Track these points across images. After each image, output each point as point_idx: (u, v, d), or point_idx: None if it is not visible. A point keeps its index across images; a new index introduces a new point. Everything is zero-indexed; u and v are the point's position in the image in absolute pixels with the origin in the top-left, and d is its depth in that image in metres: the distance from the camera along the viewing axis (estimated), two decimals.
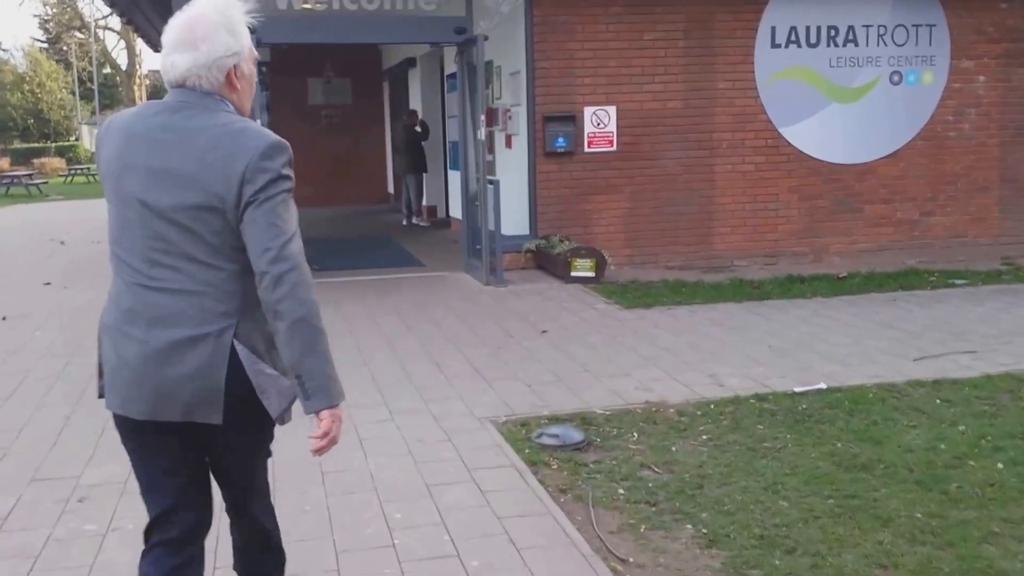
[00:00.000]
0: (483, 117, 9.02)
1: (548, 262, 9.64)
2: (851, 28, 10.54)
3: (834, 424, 4.99)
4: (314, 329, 2.31)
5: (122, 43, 43.71)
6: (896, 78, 10.72)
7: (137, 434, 2.45)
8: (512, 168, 10.22)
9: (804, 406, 5.30)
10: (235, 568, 2.78)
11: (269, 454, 2.63)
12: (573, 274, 9.09)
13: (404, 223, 15.30)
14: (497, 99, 11.19)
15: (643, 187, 10.16)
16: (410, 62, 16.18)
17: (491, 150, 10.76)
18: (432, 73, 15.72)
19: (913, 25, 10.68)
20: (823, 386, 5.66)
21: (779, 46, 10.40)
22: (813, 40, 10.48)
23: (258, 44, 11.34)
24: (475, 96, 9.43)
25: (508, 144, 10.67)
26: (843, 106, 10.63)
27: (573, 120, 9.87)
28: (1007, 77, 10.90)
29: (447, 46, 11.06)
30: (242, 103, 2.47)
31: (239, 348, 2.33)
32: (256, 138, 2.32)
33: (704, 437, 4.88)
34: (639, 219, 10.17)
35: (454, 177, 14.26)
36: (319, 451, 2.34)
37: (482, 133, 8.99)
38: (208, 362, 2.31)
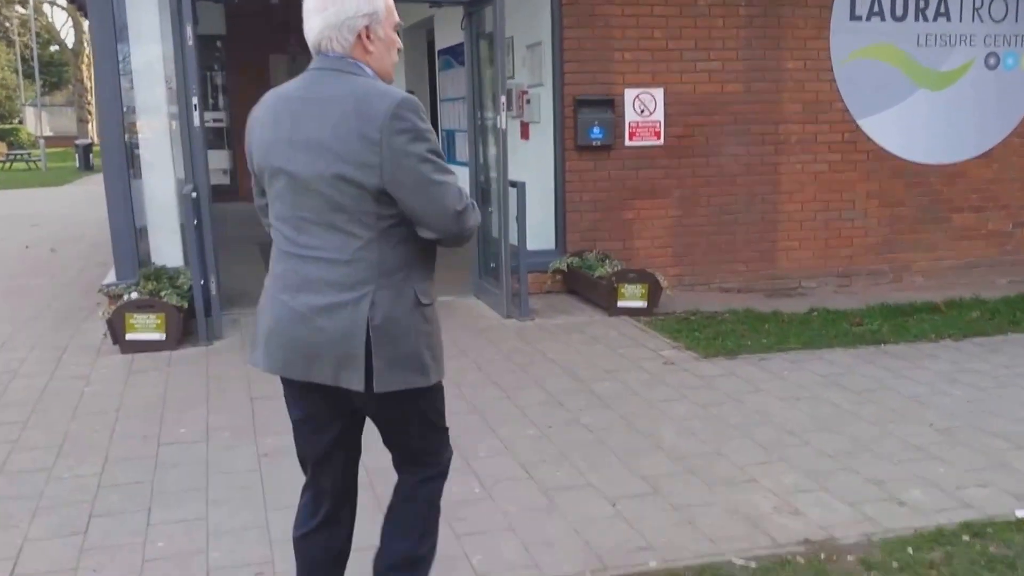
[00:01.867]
0: (503, 99, 6.97)
1: (583, 286, 7.62)
2: None
3: None
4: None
5: (71, 20, 40.94)
6: (992, 61, 8.83)
7: (296, 394, 2.56)
8: (531, 165, 8.16)
9: None
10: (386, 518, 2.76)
11: (439, 423, 2.68)
12: (620, 304, 7.09)
13: None
14: (509, 78, 9.10)
15: (696, 190, 8.18)
16: None
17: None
18: (418, 49, 13.61)
19: None
20: None
21: (859, 18, 8.46)
22: (899, 12, 8.55)
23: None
24: (492, 72, 7.38)
25: (525, 135, 8.62)
26: (931, 93, 8.71)
27: (611, 105, 7.86)
28: None
29: (450, 6, 8.95)
30: (380, 67, 2.45)
31: (374, 315, 2.35)
32: (383, 99, 2.29)
33: None
34: (690, 230, 8.20)
35: None
36: None
37: (503, 119, 6.94)
38: (347, 328, 2.36)
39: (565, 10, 7.82)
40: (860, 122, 8.52)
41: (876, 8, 8.48)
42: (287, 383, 2.55)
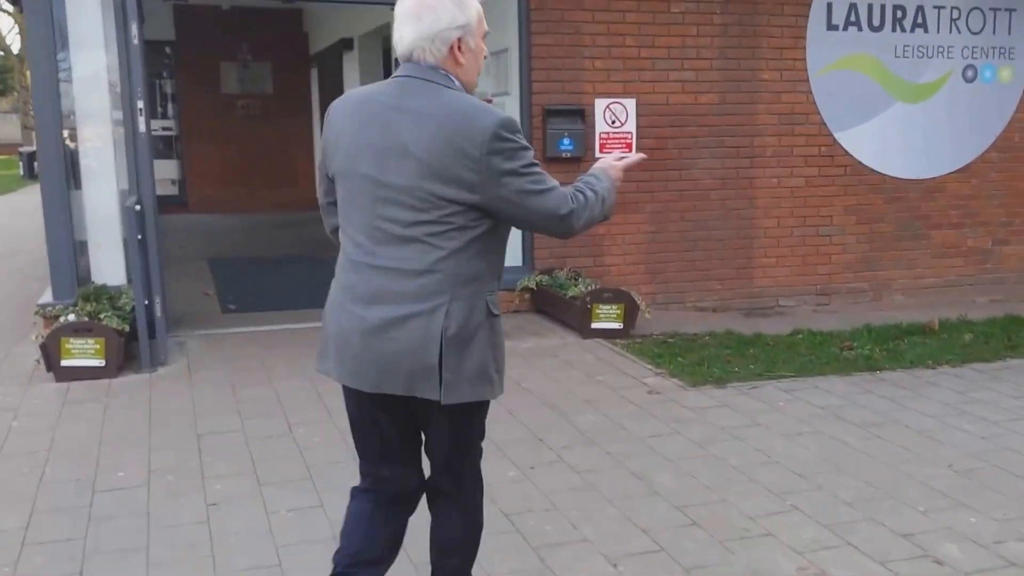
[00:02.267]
0: None
1: (554, 306, 7.19)
2: (920, 9, 8.37)
3: None
4: (596, 212, 2.51)
5: (17, 26, 39.65)
6: (970, 73, 8.60)
7: (361, 404, 2.54)
8: None
9: None
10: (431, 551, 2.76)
11: (479, 448, 2.67)
12: (595, 325, 6.67)
13: None
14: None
15: (669, 205, 7.80)
16: (345, 44, 13.55)
17: None
18: (373, 57, 13.14)
19: (991, 8, 8.57)
20: None
21: (836, 28, 8.16)
22: (876, 22, 8.27)
23: None
24: None
25: None
26: (909, 106, 8.45)
27: (581, 115, 7.45)
28: None
29: None
30: (468, 79, 2.45)
31: (448, 326, 2.34)
32: (484, 117, 2.29)
33: None
34: (664, 247, 7.81)
35: None
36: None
37: None
38: (421, 339, 2.34)
39: (533, 15, 7.41)
40: (837, 135, 8.22)
41: (853, 17, 8.20)
42: (354, 393, 2.54)
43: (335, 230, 2.61)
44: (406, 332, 2.35)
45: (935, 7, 8.39)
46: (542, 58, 7.44)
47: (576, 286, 6.97)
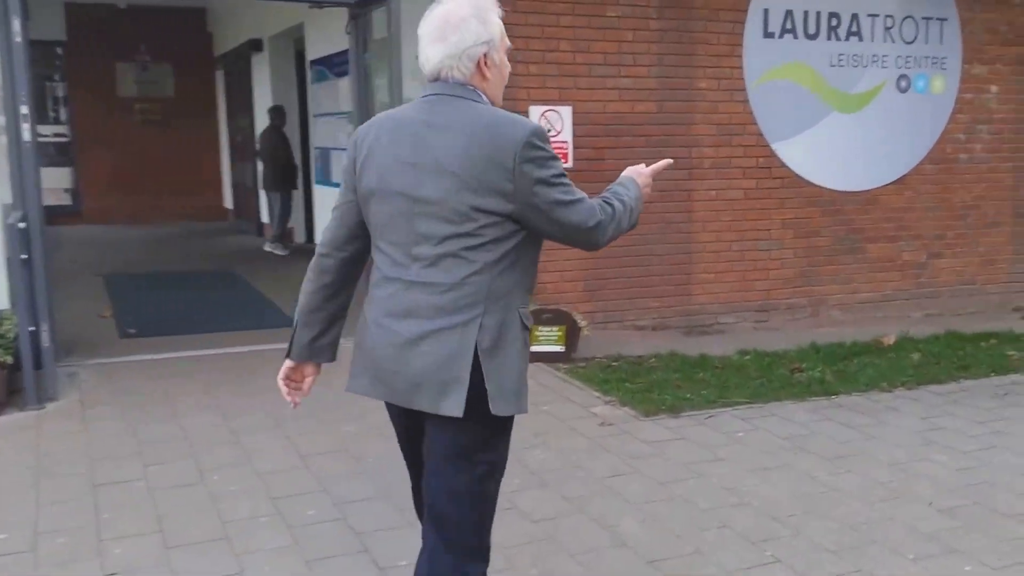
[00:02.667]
0: None
1: None
2: (855, 17, 8.16)
3: None
4: (624, 222, 2.52)
5: None
6: (904, 84, 8.44)
7: (401, 419, 2.57)
8: None
9: None
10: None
11: (499, 472, 2.50)
12: (535, 348, 6.22)
13: (266, 248, 12.00)
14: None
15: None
16: (254, 45, 12.87)
17: None
18: (285, 59, 12.51)
19: (923, 18, 8.42)
20: None
21: (772, 35, 7.89)
22: (812, 30, 8.03)
23: None
24: (389, 82, 6.40)
25: None
26: (843, 116, 8.23)
27: None
28: (1020, 88, 8.83)
29: (332, 7, 7.93)
30: (494, 93, 2.48)
31: (482, 339, 2.32)
32: (515, 127, 2.32)
33: None
34: (602, 263, 7.40)
35: (323, 195, 11.10)
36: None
37: None
38: (453, 352, 2.32)
39: None
40: (774, 146, 7.95)
41: (789, 25, 7.95)
42: (395, 409, 2.55)
43: (328, 248, 2.57)
44: (439, 345, 2.34)
45: (869, 15, 8.20)
46: None
47: None
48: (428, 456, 2.47)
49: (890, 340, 6.90)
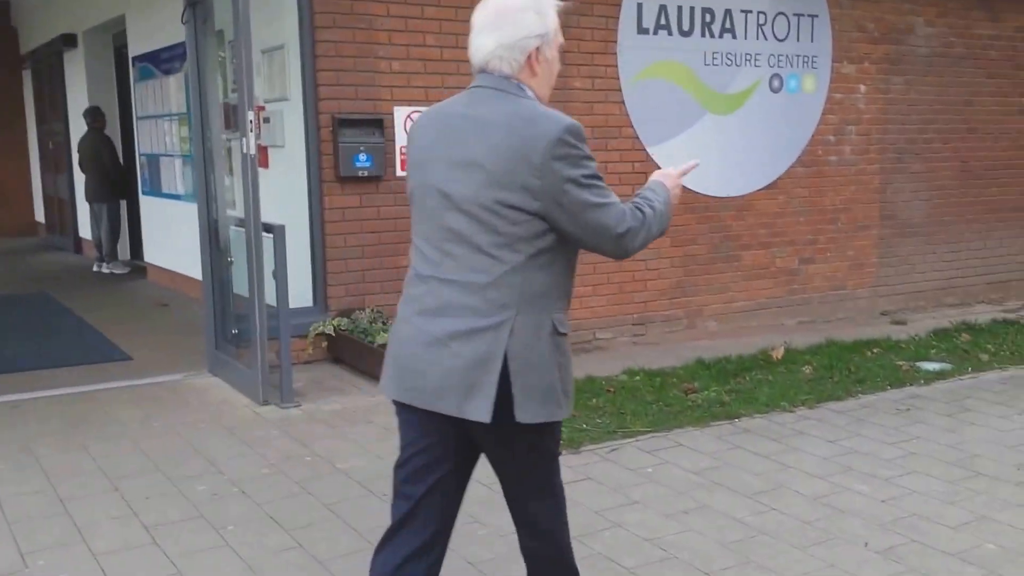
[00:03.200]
0: (251, 116, 5.24)
1: (356, 355, 5.98)
2: (728, 13, 7.85)
3: None
4: (653, 230, 2.47)
5: None
6: (776, 83, 8.20)
7: (413, 422, 2.41)
8: (276, 200, 6.37)
9: None
10: None
11: (557, 453, 2.52)
12: None
13: (95, 269, 10.78)
14: (233, 90, 7.31)
15: None
16: (67, 40, 11.61)
17: (233, 170, 6.82)
18: (102, 56, 11.33)
19: (795, 14, 8.20)
20: None
21: (647, 31, 7.49)
22: (686, 26, 7.67)
23: None
24: (237, 79, 5.58)
25: (263, 161, 6.84)
26: (718, 118, 7.92)
27: (380, 126, 6.31)
28: (886, 87, 8.76)
29: None
30: (542, 91, 2.39)
31: (513, 343, 2.26)
32: (549, 122, 2.25)
33: None
34: None
35: (150, 206, 10.05)
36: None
37: (250, 142, 5.20)
38: (484, 354, 2.26)
39: (316, 5, 6.20)
40: (651, 150, 7.55)
41: (663, 20, 7.56)
42: (407, 410, 2.40)
43: None
44: (469, 346, 2.27)
45: (742, 11, 7.90)
46: (329, 57, 6.24)
47: (384, 331, 5.81)
48: (501, 473, 2.47)
49: (779, 353, 6.58)
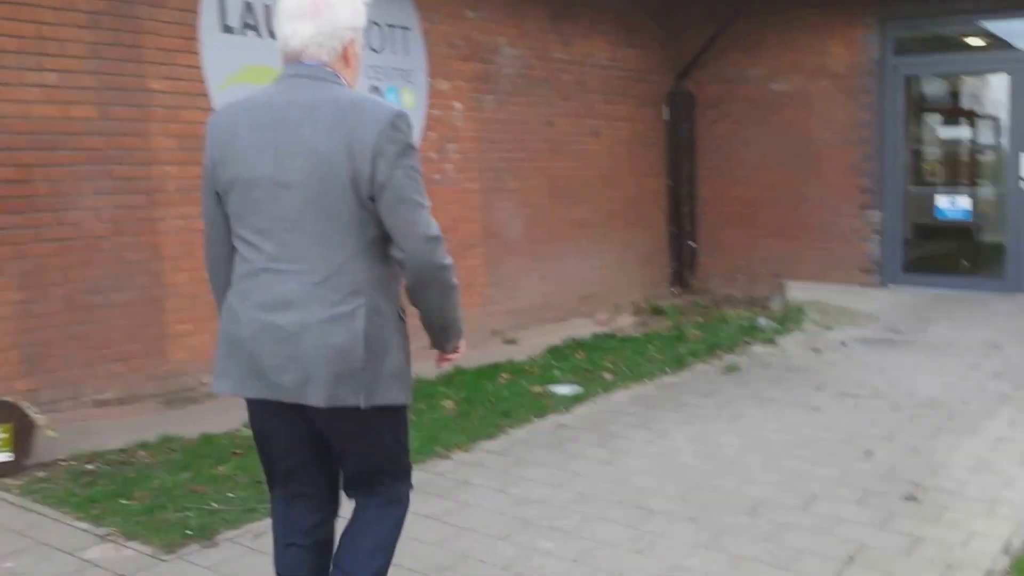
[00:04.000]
0: None
1: None
2: None
3: None
4: (456, 291, 2.45)
5: None
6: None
7: (265, 413, 2.42)
8: None
9: None
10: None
11: (404, 436, 2.58)
12: None
13: None
14: None
15: (46, 262, 5.39)
16: None
17: None
18: None
19: (388, 25, 7.74)
20: None
21: (231, 30, 6.53)
22: (273, 26, 6.83)
23: None
24: None
25: None
26: None
27: None
28: (479, 106, 8.61)
29: None
30: (351, 83, 2.42)
31: (369, 327, 2.27)
32: (379, 109, 2.27)
33: None
34: (44, 321, 5.37)
35: None
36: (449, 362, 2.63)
37: None
38: (345, 343, 2.25)
39: None
40: None
41: (250, 19, 6.67)
42: (256, 403, 2.41)
43: (217, 261, 2.46)
44: (328, 336, 2.23)
45: None
46: None
47: None
48: (340, 450, 2.45)
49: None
